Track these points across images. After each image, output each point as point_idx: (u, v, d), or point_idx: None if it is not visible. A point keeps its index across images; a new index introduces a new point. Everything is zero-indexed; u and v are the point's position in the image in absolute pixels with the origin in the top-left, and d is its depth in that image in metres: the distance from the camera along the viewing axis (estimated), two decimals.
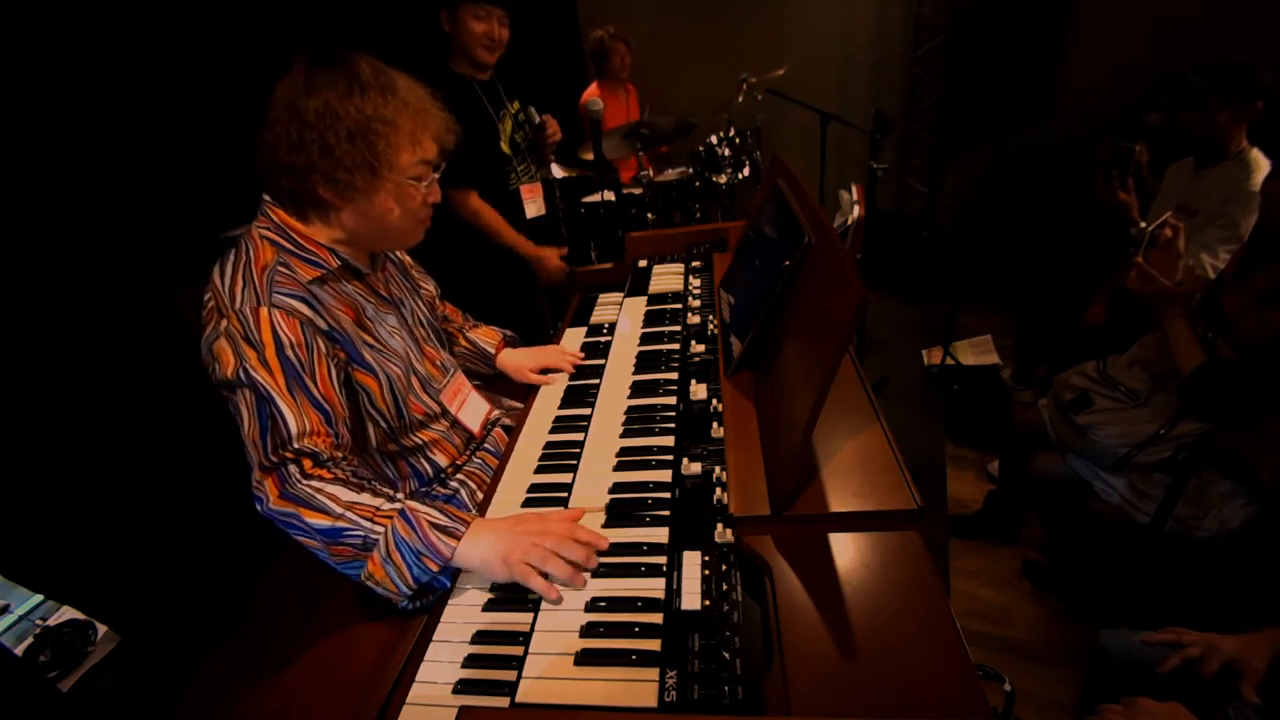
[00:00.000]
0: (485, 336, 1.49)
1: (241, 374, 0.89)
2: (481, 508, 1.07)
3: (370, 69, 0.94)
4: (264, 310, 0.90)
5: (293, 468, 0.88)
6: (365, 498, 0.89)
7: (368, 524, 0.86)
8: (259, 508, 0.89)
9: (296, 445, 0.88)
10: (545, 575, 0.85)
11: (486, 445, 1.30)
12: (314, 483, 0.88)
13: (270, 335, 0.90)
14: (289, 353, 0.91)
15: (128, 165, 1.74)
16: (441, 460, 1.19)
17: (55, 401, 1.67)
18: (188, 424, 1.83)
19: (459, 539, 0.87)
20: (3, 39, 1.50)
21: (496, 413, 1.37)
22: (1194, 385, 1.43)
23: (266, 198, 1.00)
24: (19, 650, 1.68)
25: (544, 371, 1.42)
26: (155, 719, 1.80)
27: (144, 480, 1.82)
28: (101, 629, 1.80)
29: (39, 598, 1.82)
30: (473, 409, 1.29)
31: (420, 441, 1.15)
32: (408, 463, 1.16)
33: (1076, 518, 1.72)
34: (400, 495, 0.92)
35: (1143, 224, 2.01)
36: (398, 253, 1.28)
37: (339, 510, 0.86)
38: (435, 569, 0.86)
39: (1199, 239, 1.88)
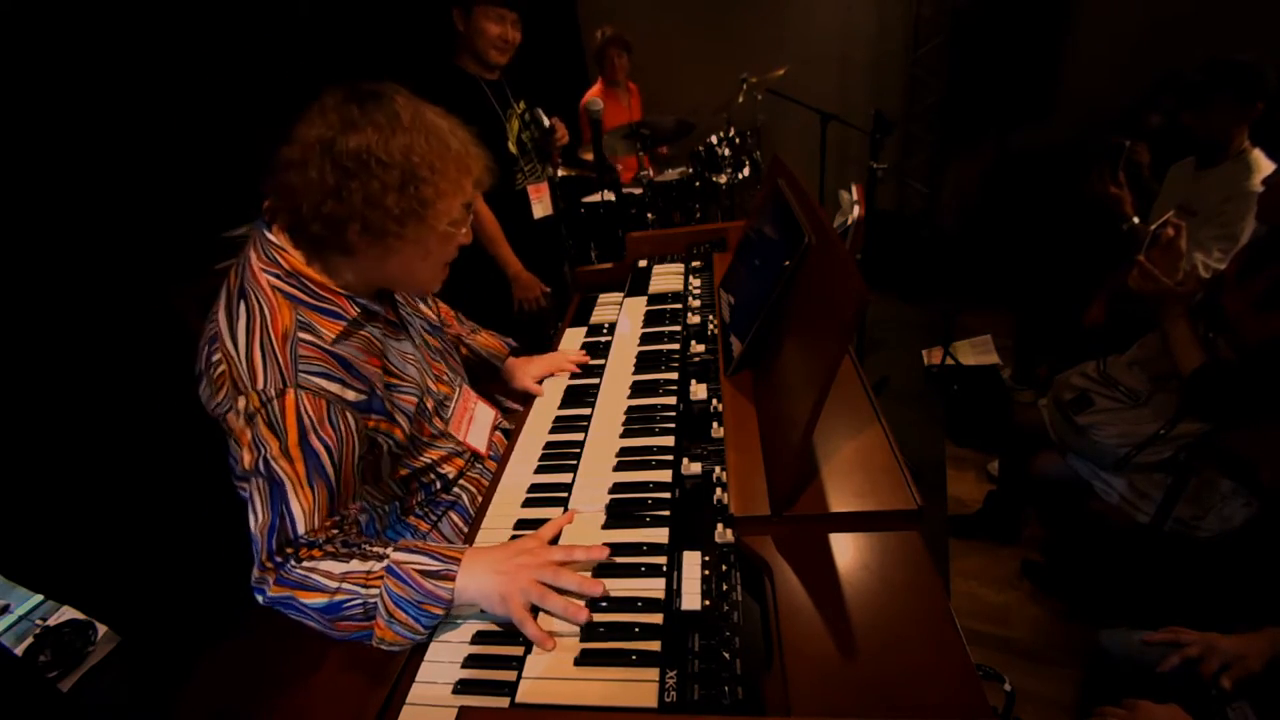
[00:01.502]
0: (491, 346, 1.46)
1: (260, 464, 0.84)
2: (479, 511, 1.07)
3: (407, 105, 0.87)
4: (290, 393, 0.83)
5: (290, 558, 0.86)
6: (355, 565, 0.85)
7: (363, 590, 0.83)
8: (260, 599, 0.86)
9: (300, 539, 0.86)
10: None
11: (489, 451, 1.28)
12: (306, 564, 0.85)
13: (294, 421, 0.84)
14: (312, 439, 0.85)
15: (128, 164, 1.73)
16: (450, 472, 1.16)
17: (55, 402, 1.67)
18: (188, 423, 1.83)
19: (454, 579, 0.83)
20: (3, 38, 1.50)
21: (500, 422, 1.34)
22: (1194, 386, 1.43)
23: (269, 232, 0.91)
24: (19, 650, 1.68)
25: (544, 380, 1.40)
26: (155, 719, 1.80)
27: (144, 480, 1.82)
28: (101, 629, 1.80)
29: (39, 598, 1.82)
30: (479, 426, 1.24)
31: (429, 460, 1.12)
32: (417, 481, 1.12)
33: (1076, 518, 1.72)
34: (388, 550, 0.87)
35: (1135, 219, 2.02)
36: None
37: (334, 585, 0.83)
38: (440, 613, 0.83)
39: (1195, 238, 1.88)
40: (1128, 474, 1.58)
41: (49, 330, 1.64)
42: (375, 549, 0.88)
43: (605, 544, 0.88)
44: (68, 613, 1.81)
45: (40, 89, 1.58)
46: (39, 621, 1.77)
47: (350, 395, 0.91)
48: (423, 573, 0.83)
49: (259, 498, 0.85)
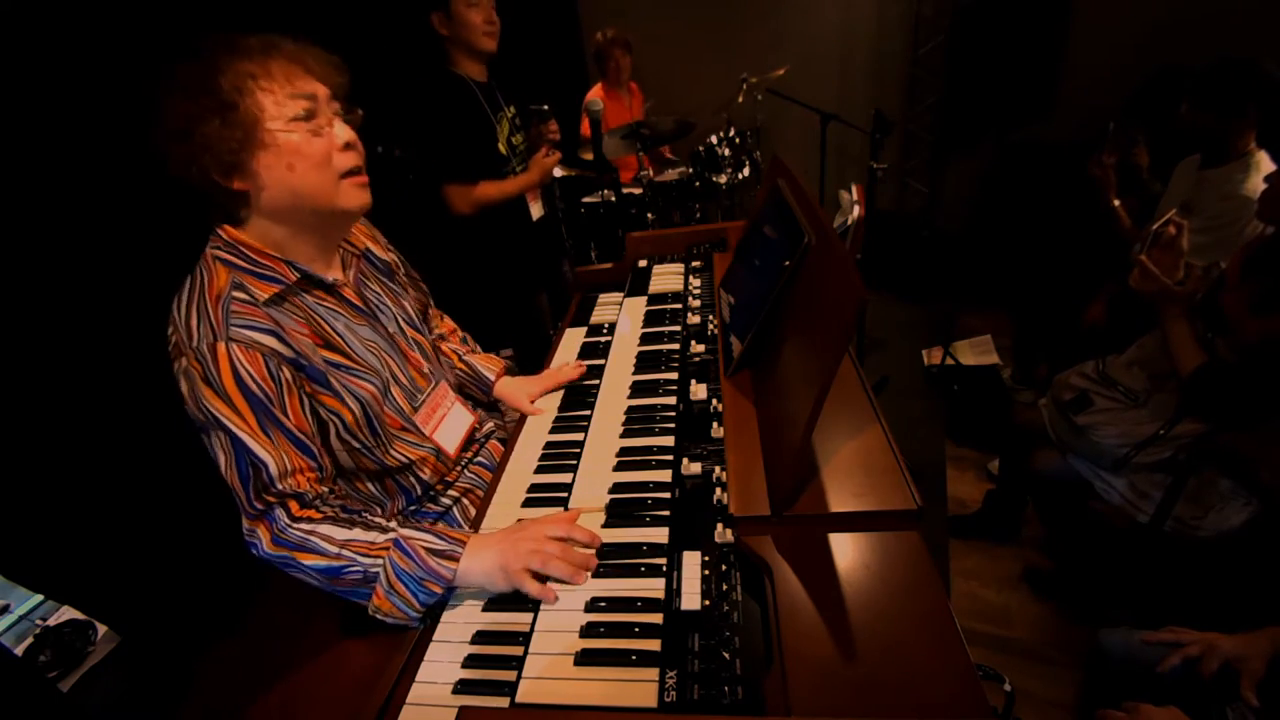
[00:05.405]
0: (485, 362, 1.41)
1: (209, 416, 0.86)
2: (480, 509, 1.07)
3: (215, 40, 0.87)
4: (221, 346, 0.85)
5: (280, 512, 0.88)
6: (358, 533, 0.88)
7: (365, 559, 0.86)
8: (254, 553, 0.89)
9: (279, 487, 0.87)
10: (546, 578, 0.85)
11: (480, 459, 1.25)
12: (304, 525, 0.88)
13: (230, 373, 0.85)
14: (251, 386, 0.86)
15: (126, 162, 1.73)
16: (428, 476, 1.14)
17: (56, 401, 1.67)
18: (188, 423, 1.83)
19: (458, 560, 0.86)
20: (2, 38, 1.50)
21: (490, 424, 1.31)
22: (1193, 386, 1.43)
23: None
24: (19, 650, 1.68)
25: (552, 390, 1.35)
26: (155, 719, 1.80)
27: (144, 480, 1.82)
28: (101, 629, 1.80)
29: (39, 598, 1.82)
30: (452, 426, 1.20)
31: (404, 459, 1.09)
32: (394, 480, 1.11)
33: (1076, 517, 1.72)
34: (393, 524, 0.91)
35: (1116, 203, 2.03)
36: (382, 253, 1.19)
37: (335, 550, 0.86)
38: (439, 591, 0.86)
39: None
40: (1127, 474, 1.58)
41: (48, 330, 1.64)
42: (378, 520, 0.92)
43: (605, 543, 0.90)
44: (68, 613, 1.81)
45: (40, 87, 1.58)
46: (39, 621, 1.77)
47: (287, 352, 0.91)
48: (429, 550, 0.86)
49: (221, 451, 0.88)
